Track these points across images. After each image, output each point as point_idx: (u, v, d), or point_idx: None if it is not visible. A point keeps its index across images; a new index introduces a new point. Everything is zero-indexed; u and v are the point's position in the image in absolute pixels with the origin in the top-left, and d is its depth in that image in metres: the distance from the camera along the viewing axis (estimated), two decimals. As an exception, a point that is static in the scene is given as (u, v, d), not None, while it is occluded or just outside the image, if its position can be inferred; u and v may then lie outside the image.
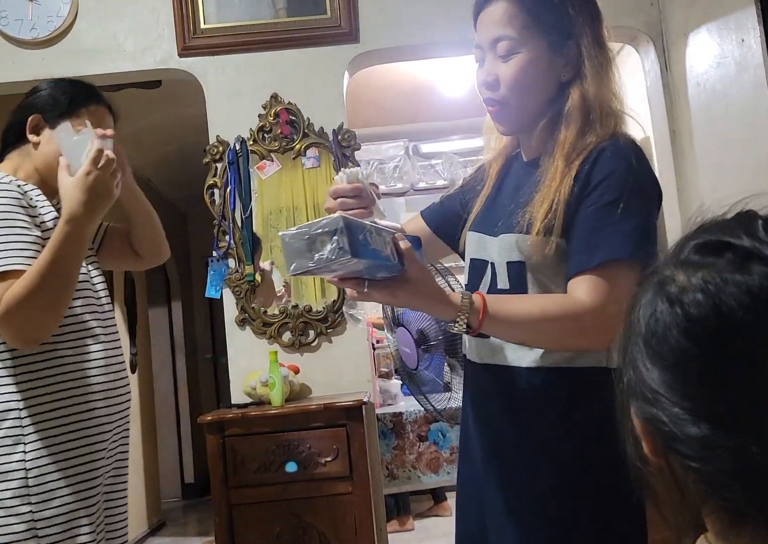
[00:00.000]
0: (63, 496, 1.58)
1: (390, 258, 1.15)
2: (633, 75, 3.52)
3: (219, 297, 3.08)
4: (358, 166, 3.11)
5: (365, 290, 1.16)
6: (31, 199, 1.64)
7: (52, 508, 1.56)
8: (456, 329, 1.21)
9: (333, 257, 1.08)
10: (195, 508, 6.48)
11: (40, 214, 1.65)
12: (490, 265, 1.37)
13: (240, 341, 3.08)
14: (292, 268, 1.12)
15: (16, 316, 1.49)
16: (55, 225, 1.63)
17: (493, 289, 1.36)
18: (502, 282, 1.33)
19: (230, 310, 3.09)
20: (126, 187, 1.75)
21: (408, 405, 4.02)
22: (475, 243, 1.42)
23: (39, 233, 1.61)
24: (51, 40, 3.10)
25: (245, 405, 2.88)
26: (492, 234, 1.37)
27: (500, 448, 1.36)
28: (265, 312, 3.08)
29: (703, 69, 2.83)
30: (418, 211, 1.61)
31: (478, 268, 1.40)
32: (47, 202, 1.68)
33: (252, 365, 3.00)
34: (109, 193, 1.59)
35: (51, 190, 1.72)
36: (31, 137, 1.70)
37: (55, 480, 1.57)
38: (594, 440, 1.26)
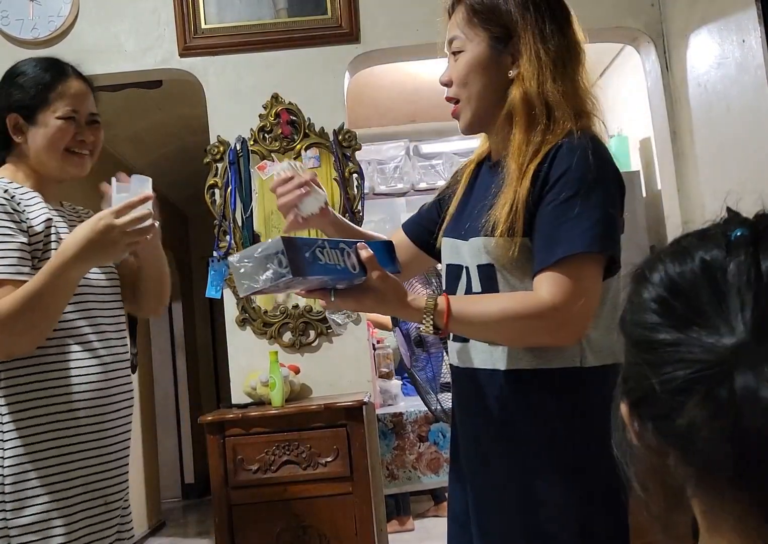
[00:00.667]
0: (38, 504, 1.54)
1: (349, 269, 1.19)
2: (634, 75, 3.52)
3: (219, 297, 3.08)
4: (358, 167, 3.11)
5: (332, 300, 1.21)
6: (19, 203, 1.60)
7: (26, 516, 1.53)
8: (423, 330, 1.25)
9: (276, 278, 1.12)
10: (195, 508, 6.47)
11: (28, 218, 1.60)
12: (464, 269, 1.39)
13: (240, 341, 3.08)
14: (242, 290, 1.17)
15: None
16: (46, 228, 1.61)
17: (468, 292, 1.38)
18: (476, 285, 1.36)
19: (231, 310, 3.09)
20: (149, 246, 1.71)
21: (408, 405, 4.02)
22: (449, 248, 1.44)
23: (24, 239, 1.57)
24: (52, 40, 3.10)
25: (245, 405, 2.88)
26: (463, 238, 1.39)
27: (479, 450, 1.39)
28: (266, 312, 3.08)
29: (703, 69, 2.83)
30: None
31: (453, 273, 1.43)
32: (40, 205, 1.64)
33: (252, 365, 2.99)
34: (112, 249, 1.52)
35: (50, 190, 1.70)
36: (16, 139, 1.67)
37: (31, 488, 1.54)
38: (569, 439, 1.29)
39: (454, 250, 1.42)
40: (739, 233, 0.62)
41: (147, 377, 5.91)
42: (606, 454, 1.32)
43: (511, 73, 1.36)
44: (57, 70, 1.71)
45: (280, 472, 2.63)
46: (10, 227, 1.56)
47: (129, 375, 1.77)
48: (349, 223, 1.66)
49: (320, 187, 1.49)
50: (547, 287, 1.23)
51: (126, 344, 1.77)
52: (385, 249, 1.30)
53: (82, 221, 1.76)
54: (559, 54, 1.34)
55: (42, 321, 1.52)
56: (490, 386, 1.35)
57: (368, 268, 1.21)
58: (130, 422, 1.76)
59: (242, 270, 1.15)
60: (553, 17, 1.36)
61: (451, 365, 1.48)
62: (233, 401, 2.98)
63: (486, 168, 1.47)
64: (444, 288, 1.47)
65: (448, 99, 1.43)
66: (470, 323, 1.27)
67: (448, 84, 1.42)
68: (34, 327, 1.52)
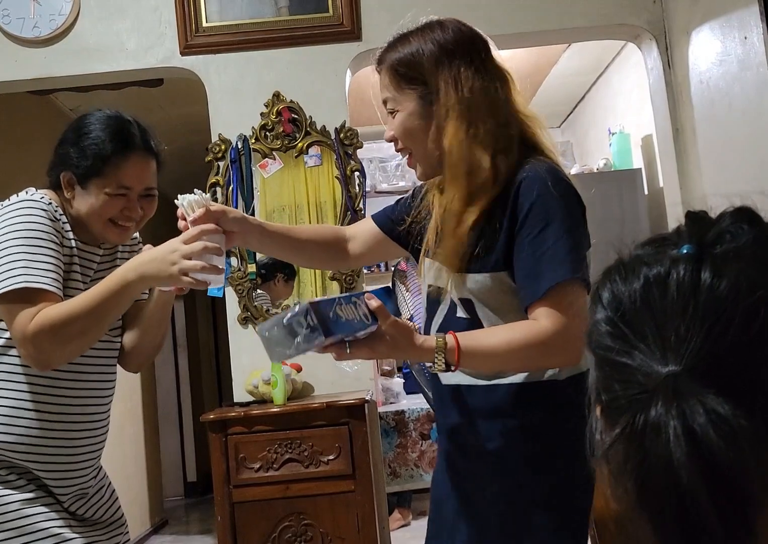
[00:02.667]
0: None
1: (363, 321, 1.24)
2: (636, 73, 3.52)
3: (221, 296, 3.07)
4: (360, 165, 3.11)
5: (348, 352, 1.26)
6: (62, 227, 1.60)
7: None
8: (436, 368, 1.31)
9: (308, 342, 1.17)
10: (197, 506, 6.48)
11: (65, 238, 1.59)
12: (448, 294, 1.44)
13: (242, 339, 3.08)
14: (275, 356, 1.22)
15: (43, 340, 1.46)
16: (71, 255, 1.60)
17: (451, 315, 1.44)
18: (461, 312, 1.43)
19: (233, 308, 3.09)
20: (164, 300, 1.69)
21: (410, 403, 4.02)
22: (433, 271, 1.48)
23: (63, 259, 1.57)
24: (53, 38, 3.10)
25: (248, 404, 2.88)
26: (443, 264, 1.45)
27: (459, 465, 1.48)
28: (268, 311, 3.08)
29: (705, 67, 2.83)
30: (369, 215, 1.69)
31: (434, 294, 1.48)
32: (71, 233, 1.63)
33: (254, 364, 2.99)
34: (166, 270, 1.45)
35: (79, 232, 1.66)
36: (66, 194, 1.63)
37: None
38: (545, 448, 1.38)
39: (437, 274, 1.46)
40: (684, 251, 0.61)
41: (149, 376, 5.92)
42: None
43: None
44: (121, 141, 1.61)
45: (283, 470, 2.62)
46: (56, 243, 1.55)
47: (105, 405, 1.73)
48: (279, 225, 1.67)
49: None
50: (545, 315, 1.31)
51: (109, 379, 1.74)
52: (385, 295, 1.37)
53: (115, 257, 1.76)
54: (478, 98, 1.38)
55: (90, 330, 1.51)
56: (470, 399, 1.43)
57: (380, 318, 1.27)
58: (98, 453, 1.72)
59: (272, 338, 1.20)
60: (468, 60, 1.40)
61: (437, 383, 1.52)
62: (235, 400, 2.98)
63: None
64: (425, 305, 1.52)
65: (399, 150, 1.50)
66: (480, 357, 1.33)
67: (393, 140, 1.48)
68: (81, 336, 1.50)
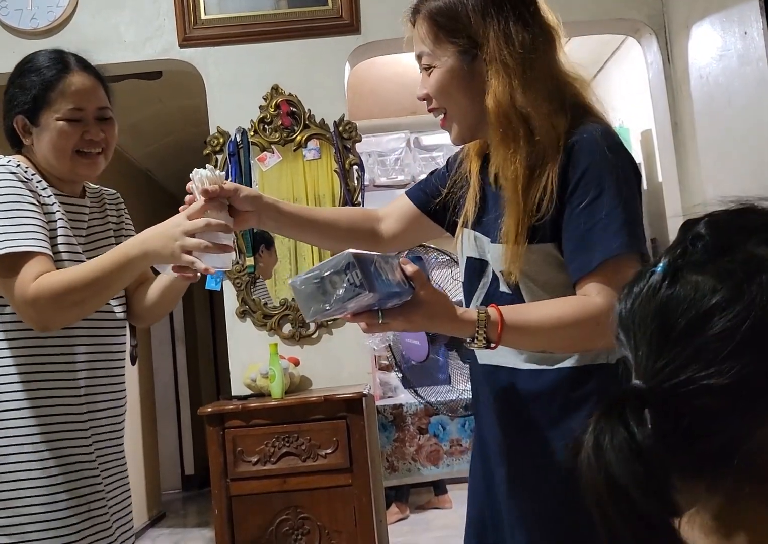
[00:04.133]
0: (18, 507, 1.50)
1: (401, 284, 1.12)
2: (635, 67, 3.51)
3: (219, 289, 3.07)
4: (359, 158, 3.10)
5: (380, 322, 1.13)
6: (36, 187, 1.57)
7: (6, 517, 1.49)
8: (476, 345, 1.19)
9: (350, 296, 1.05)
10: (194, 500, 6.49)
11: (42, 196, 1.57)
12: (490, 268, 1.36)
13: (240, 333, 3.08)
14: (309, 314, 1.08)
15: (42, 305, 1.44)
16: (54, 212, 1.58)
17: (493, 290, 1.35)
18: (504, 286, 1.33)
19: (231, 302, 3.09)
20: (179, 288, 1.67)
21: (408, 397, 4.02)
22: (472, 242, 1.39)
23: (44, 218, 1.54)
24: (51, 30, 3.09)
25: (245, 397, 2.88)
26: (487, 236, 1.36)
27: (507, 449, 1.35)
28: (266, 304, 3.08)
29: (705, 61, 2.82)
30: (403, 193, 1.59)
31: (475, 267, 1.39)
32: (51, 199, 1.60)
33: (252, 357, 2.99)
34: (169, 245, 1.39)
35: (64, 186, 1.65)
36: (25, 141, 1.61)
37: (11, 490, 1.50)
38: None
39: (478, 245, 1.38)
40: (658, 270, 0.62)
41: (147, 369, 5.92)
42: None
43: (487, 84, 1.30)
44: (58, 66, 1.59)
45: (280, 464, 2.63)
46: (34, 204, 1.53)
47: (123, 374, 1.73)
48: (298, 206, 1.59)
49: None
50: (597, 290, 1.22)
51: (124, 341, 1.74)
52: (419, 263, 1.25)
53: (104, 209, 1.75)
54: (528, 54, 1.28)
55: (91, 300, 1.49)
56: (511, 383, 1.32)
57: (417, 284, 1.15)
58: (123, 422, 1.72)
59: (308, 290, 1.07)
60: (516, 13, 1.29)
61: (481, 363, 1.42)
62: (233, 393, 2.98)
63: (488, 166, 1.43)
64: (462, 279, 1.43)
65: (432, 110, 1.38)
66: (524, 333, 1.22)
67: (427, 99, 1.37)
68: (82, 304, 1.48)
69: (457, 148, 1.51)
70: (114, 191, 1.83)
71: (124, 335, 1.75)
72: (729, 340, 0.56)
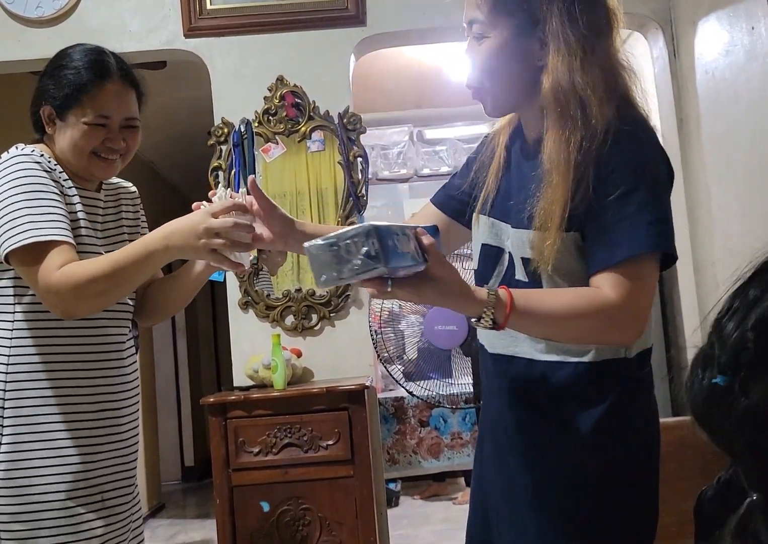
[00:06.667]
0: (32, 495, 1.52)
1: (415, 256, 1.11)
2: (641, 62, 3.50)
3: (222, 280, 3.07)
4: (363, 150, 3.10)
5: (389, 290, 1.11)
6: (59, 177, 1.59)
7: (19, 504, 1.51)
8: (481, 325, 1.17)
9: (364, 269, 1.04)
10: (194, 491, 6.51)
11: (64, 187, 1.59)
12: (507, 254, 1.34)
13: (243, 324, 3.08)
14: (321, 280, 1.07)
15: (66, 293, 1.45)
16: (74, 203, 1.59)
17: (508, 278, 1.33)
18: (520, 274, 1.31)
19: (233, 293, 3.09)
20: (200, 281, 1.69)
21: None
22: (488, 228, 1.37)
23: (67, 209, 1.56)
24: (57, 19, 3.08)
25: (247, 388, 2.88)
26: (507, 222, 1.33)
27: (523, 442, 1.34)
28: (269, 295, 3.08)
29: (712, 57, 2.82)
30: (428, 200, 1.55)
31: (491, 255, 1.36)
32: (72, 190, 1.62)
33: (254, 348, 3.00)
34: (193, 244, 1.40)
35: (74, 177, 1.65)
36: (48, 130, 1.63)
37: (25, 477, 1.52)
38: (611, 432, 1.27)
39: (494, 231, 1.35)
40: (718, 380, 0.64)
41: (148, 360, 5.92)
42: (645, 441, 1.30)
43: (540, 62, 1.27)
44: (98, 70, 1.60)
45: (282, 454, 2.63)
46: (57, 194, 1.54)
47: (135, 362, 1.74)
48: (323, 227, 1.57)
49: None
50: (611, 285, 1.20)
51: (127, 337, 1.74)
52: (434, 233, 1.20)
53: (119, 205, 1.75)
54: (590, 36, 1.24)
55: (112, 292, 1.50)
56: (527, 375, 1.31)
57: (431, 257, 1.12)
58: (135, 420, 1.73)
59: (323, 257, 1.06)
60: None
61: (480, 344, 1.41)
62: (235, 384, 2.98)
63: (519, 146, 1.39)
64: (475, 267, 1.41)
65: (469, 81, 1.35)
66: (532, 319, 1.20)
67: (469, 68, 1.33)
68: (104, 295, 1.49)
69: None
70: (133, 188, 1.83)
71: (129, 327, 1.76)
72: None
